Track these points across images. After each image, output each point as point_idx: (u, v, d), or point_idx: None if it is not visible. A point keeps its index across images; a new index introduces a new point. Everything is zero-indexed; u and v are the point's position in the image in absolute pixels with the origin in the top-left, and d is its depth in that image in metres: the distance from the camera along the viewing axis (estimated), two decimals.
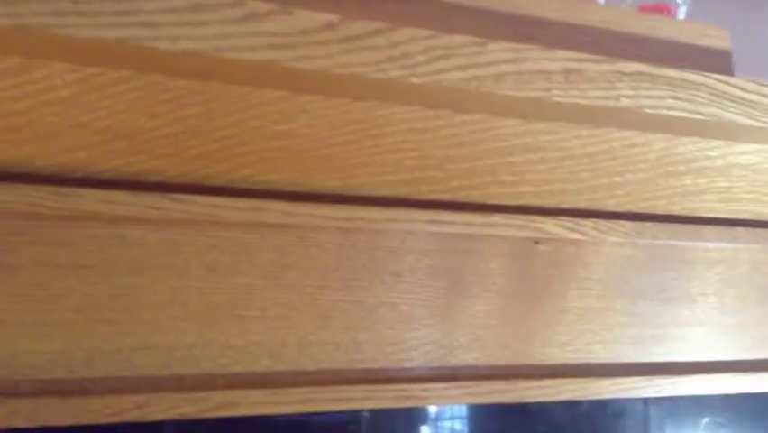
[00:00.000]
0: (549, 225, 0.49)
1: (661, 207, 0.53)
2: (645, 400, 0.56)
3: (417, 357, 0.47)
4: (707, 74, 0.43)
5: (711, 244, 0.56)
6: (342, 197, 0.45)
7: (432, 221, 0.46)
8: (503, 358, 0.49)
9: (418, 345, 0.47)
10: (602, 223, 0.51)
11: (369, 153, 0.43)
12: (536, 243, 0.51)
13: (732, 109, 0.44)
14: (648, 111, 0.42)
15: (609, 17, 0.48)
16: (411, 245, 0.47)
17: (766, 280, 0.59)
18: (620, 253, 0.53)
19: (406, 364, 0.47)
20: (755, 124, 0.45)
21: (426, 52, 0.37)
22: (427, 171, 0.46)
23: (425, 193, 0.47)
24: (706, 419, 0.59)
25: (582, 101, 0.40)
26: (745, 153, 0.52)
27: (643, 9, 0.55)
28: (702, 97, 0.43)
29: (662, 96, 0.42)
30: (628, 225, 0.51)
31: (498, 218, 0.48)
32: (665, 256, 0.55)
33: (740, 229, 0.55)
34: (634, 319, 0.53)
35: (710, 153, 0.51)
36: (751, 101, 0.45)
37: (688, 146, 0.50)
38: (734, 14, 0.73)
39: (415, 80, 0.36)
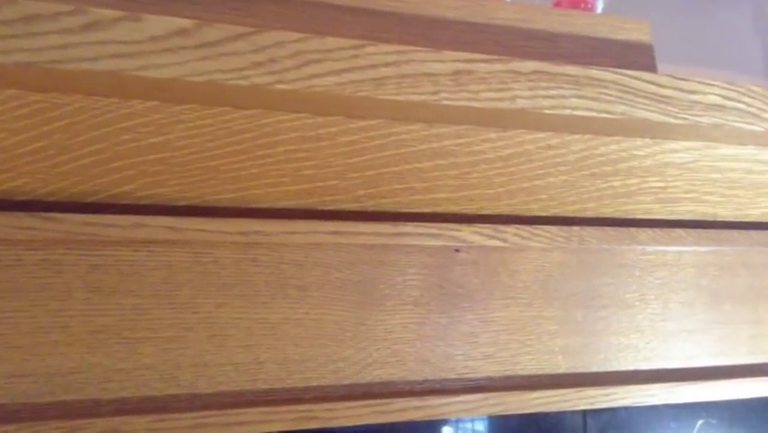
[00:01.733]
0: (466, 233, 0.47)
1: (591, 210, 0.51)
2: (584, 413, 0.54)
3: (326, 375, 0.45)
4: (615, 70, 0.41)
5: (650, 248, 0.53)
6: (239, 210, 0.43)
7: (336, 232, 0.44)
8: (421, 373, 0.47)
9: (327, 362, 0.45)
10: (525, 229, 0.48)
11: (261, 164, 0.41)
12: (457, 251, 0.49)
13: (645, 106, 0.42)
14: (548, 112, 0.39)
15: (514, 14, 0.45)
16: (318, 258, 0.45)
17: (715, 284, 0.56)
18: (549, 260, 0.51)
19: (314, 383, 0.44)
20: (672, 121, 0.42)
21: (295, 57, 0.35)
22: (329, 181, 0.44)
23: (329, 203, 0.45)
24: None
25: (474, 103, 0.38)
26: (675, 152, 0.49)
27: (558, 4, 0.52)
28: (610, 95, 0.41)
29: (565, 95, 0.40)
30: (553, 229, 0.49)
31: (409, 227, 0.46)
32: (598, 261, 0.52)
33: (680, 231, 0.53)
34: (565, 328, 0.51)
35: (637, 153, 0.48)
36: (666, 97, 0.42)
37: (610, 146, 0.47)
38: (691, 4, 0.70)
39: (282, 87, 0.34)
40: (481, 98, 0.38)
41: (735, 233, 0.54)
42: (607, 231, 0.50)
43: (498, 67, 0.38)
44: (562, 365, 0.51)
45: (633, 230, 0.51)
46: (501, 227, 0.48)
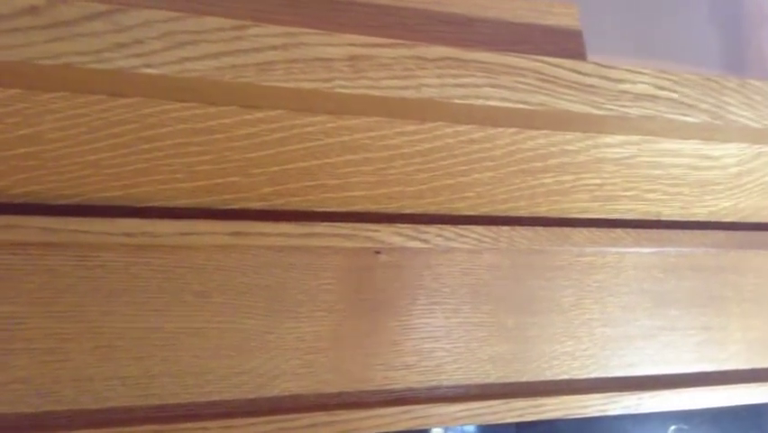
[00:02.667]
0: (384, 234, 0.43)
1: (523, 209, 0.48)
2: (518, 426, 0.50)
3: (228, 389, 0.41)
4: (533, 57, 0.37)
5: (588, 249, 0.50)
6: (129, 209, 0.39)
7: (236, 233, 0.40)
8: (336, 385, 0.44)
9: (229, 374, 0.41)
10: (449, 229, 0.45)
11: (147, 158, 0.38)
12: (377, 253, 0.45)
13: (567, 96, 0.38)
14: (458, 102, 0.36)
15: None
16: (220, 262, 0.42)
17: (659, 288, 0.53)
18: (478, 262, 0.47)
19: (215, 398, 0.41)
20: (597, 112, 0.39)
21: (165, 38, 0.31)
22: (228, 177, 0.40)
23: (231, 202, 0.41)
24: None
25: (374, 92, 0.35)
26: (610, 147, 0.46)
27: None
28: (528, 84, 0.38)
29: (477, 83, 0.37)
30: (480, 230, 0.46)
31: (320, 228, 0.42)
32: (532, 263, 0.49)
33: (619, 231, 0.49)
34: (495, 335, 0.47)
35: (568, 148, 0.45)
36: (591, 86, 0.39)
37: (538, 140, 0.44)
38: None
39: (149, 71, 0.31)
40: (382, 86, 0.35)
41: (680, 233, 0.51)
42: (539, 231, 0.47)
43: (402, 52, 0.35)
44: (492, 375, 0.47)
45: (567, 230, 0.48)
46: (423, 227, 0.44)
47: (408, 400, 0.45)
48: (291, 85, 0.33)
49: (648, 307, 0.52)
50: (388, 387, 0.45)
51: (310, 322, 0.43)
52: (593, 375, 0.50)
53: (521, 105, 0.37)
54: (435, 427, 0.44)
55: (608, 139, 0.45)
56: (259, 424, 0.40)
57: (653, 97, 0.40)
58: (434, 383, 0.46)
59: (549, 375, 0.49)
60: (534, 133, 0.43)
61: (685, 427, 0.59)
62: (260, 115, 0.38)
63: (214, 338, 0.41)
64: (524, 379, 0.48)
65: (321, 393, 0.43)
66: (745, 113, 0.42)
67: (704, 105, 0.41)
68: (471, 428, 0.50)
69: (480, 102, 0.37)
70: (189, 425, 0.39)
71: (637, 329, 0.52)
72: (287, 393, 0.43)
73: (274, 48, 0.33)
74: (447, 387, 0.46)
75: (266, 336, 0.42)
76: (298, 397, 0.43)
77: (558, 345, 0.49)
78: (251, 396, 0.42)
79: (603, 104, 0.39)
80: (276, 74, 0.33)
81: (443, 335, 0.46)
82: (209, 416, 0.40)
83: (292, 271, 0.43)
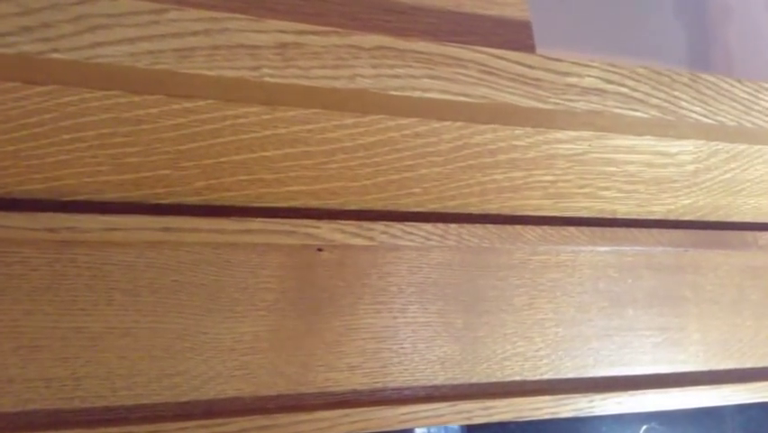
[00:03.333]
0: (325, 230, 0.42)
1: (474, 206, 0.46)
2: (469, 429, 0.49)
3: (160, 392, 0.40)
4: (475, 48, 0.36)
5: (542, 247, 0.48)
6: (52, 203, 0.38)
7: (167, 229, 0.38)
8: (275, 387, 0.42)
9: (161, 376, 0.40)
10: (395, 226, 0.44)
11: (70, 149, 0.36)
12: (320, 250, 0.44)
13: (510, 89, 0.37)
14: (395, 93, 0.34)
15: None
16: (152, 259, 0.40)
17: (615, 287, 0.51)
18: (427, 260, 0.46)
19: (144, 401, 0.39)
20: (542, 106, 0.38)
21: (76, 22, 0.29)
22: (158, 170, 0.38)
23: (163, 196, 0.39)
24: None
25: (304, 81, 0.33)
26: (561, 142, 0.44)
27: None
28: (470, 76, 0.36)
29: (415, 74, 0.35)
30: (428, 227, 0.44)
31: (256, 223, 0.40)
32: (483, 262, 0.47)
33: (572, 229, 0.48)
34: (444, 335, 0.46)
35: (518, 143, 0.43)
36: (536, 79, 0.38)
37: (486, 135, 0.42)
38: None
39: (57, 56, 0.29)
40: (313, 76, 0.33)
41: (636, 231, 0.50)
42: (490, 229, 0.46)
43: (334, 40, 0.33)
44: (440, 376, 0.46)
45: (519, 228, 0.46)
46: (367, 224, 0.43)
47: (351, 402, 0.43)
48: (214, 73, 0.32)
49: (604, 307, 0.51)
50: (329, 389, 0.43)
51: (248, 322, 0.42)
52: (545, 377, 0.49)
53: (462, 98, 0.36)
54: (380, 429, 0.43)
55: (559, 135, 0.44)
56: (190, 428, 0.38)
57: (602, 91, 0.39)
58: (378, 385, 0.44)
59: (500, 376, 0.47)
60: (482, 127, 0.42)
61: (658, 426, 0.58)
62: (188, 104, 0.36)
63: (144, 339, 0.39)
64: (473, 380, 0.47)
65: (258, 396, 0.42)
66: (697, 108, 0.41)
67: (654, 101, 0.40)
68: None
69: (417, 94, 0.35)
70: (117, 429, 0.37)
71: (592, 330, 0.50)
72: (222, 396, 0.41)
73: (195, 33, 0.31)
74: (393, 389, 0.45)
75: (200, 336, 0.41)
76: (234, 400, 0.41)
77: (509, 346, 0.48)
78: (184, 399, 0.40)
79: (549, 97, 0.38)
80: (197, 61, 0.31)
81: (390, 335, 0.45)
82: (138, 420, 0.38)
83: (229, 268, 0.41)
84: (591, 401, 0.48)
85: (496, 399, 0.46)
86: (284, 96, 0.36)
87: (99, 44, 0.30)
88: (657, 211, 0.51)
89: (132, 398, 0.39)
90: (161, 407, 0.39)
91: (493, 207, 0.46)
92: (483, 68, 0.36)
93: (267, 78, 0.32)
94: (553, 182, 0.47)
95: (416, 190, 0.44)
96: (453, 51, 0.36)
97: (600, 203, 0.49)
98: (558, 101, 0.38)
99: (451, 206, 0.45)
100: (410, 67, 0.35)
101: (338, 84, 0.34)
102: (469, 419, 0.45)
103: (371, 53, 0.34)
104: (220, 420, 0.39)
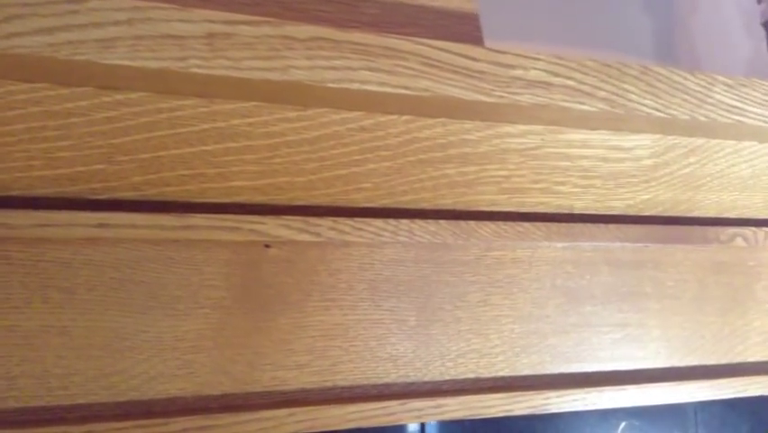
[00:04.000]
0: (270, 226, 0.41)
1: (427, 202, 0.45)
2: (423, 426, 0.48)
3: (97, 391, 0.39)
4: (416, 40, 0.35)
5: (497, 243, 0.48)
6: None
7: (103, 225, 0.37)
8: (219, 387, 0.41)
9: (98, 376, 0.39)
10: (343, 222, 0.43)
11: None
12: (267, 246, 0.43)
13: (453, 82, 0.36)
14: (331, 85, 0.33)
15: None
16: (89, 256, 0.39)
17: (573, 283, 0.51)
18: (379, 257, 0.45)
19: (81, 400, 0.38)
20: (486, 99, 0.37)
21: None
22: (93, 165, 0.37)
23: (98, 192, 0.38)
24: None
25: (234, 73, 0.32)
26: (513, 136, 0.44)
27: None
28: (410, 68, 0.35)
29: (353, 66, 0.34)
30: (378, 223, 0.43)
31: (198, 219, 0.39)
32: (436, 258, 0.47)
33: (527, 225, 0.47)
34: (396, 333, 0.45)
35: (468, 137, 0.43)
36: (480, 72, 0.37)
37: (435, 129, 0.42)
38: None
39: None
40: (244, 67, 0.32)
41: (593, 227, 0.50)
42: (442, 224, 0.45)
43: (267, 30, 0.32)
44: (392, 374, 0.45)
45: (473, 223, 0.46)
46: (314, 220, 0.42)
47: (299, 401, 0.43)
48: (138, 64, 0.31)
49: (561, 303, 0.50)
50: (277, 388, 0.42)
51: (191, 320, 0.41)
52: (501, 374, 0.48)
53: (402, 91, 0.35)
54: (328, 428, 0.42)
55: (510, 129, 0.43)
56: (127, 429, 0.38)
57: (548, 84, 0.38)
58: (328, 384, 0.44)
59: (454, 374, 0.47)
60: (430, 121, 0.41)
61: (636, 423, 0.57)
62: (119, 97, 0.35)
63: (80, 337, 0.38)
64: (426, 378, 0.46)
65: (202, 396, 0.41)
66: (647, 101, 0.40)
67: (602, 93, 0.39)
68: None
69: (355, 86, 0.34)
70: (53, 429, 0.36)
71: (549, 326, 0.50)
72: (163, 396, 0.40)
73: (117, 23, 0.30)
74: (342, 387, 0.44)
75: (140, 334, 0.40)
76: (176, 400, 0.40)
77: (464, 343, 0.47)
78: (122, 399, 0.39)
79: (493, 90, 0.37)
80: (119, 51, 0.30)
81: (340, 333, 0.44)
82: (74, 420, 0.37)
83: (171, 265, 0.40)
84: (547, 399, 0.47)
85: (448, 397, 0.45)
86: (221, 89, 0.35)
87: (15, 34, 0.29)
88: (616, 206, 0.50)
89: (68, 398, 0.38)
90: (99, 407, 0.39)
91: (447, 203, 0.46)
92: (424, 60, 0.35)
93: (194, 70, 0.32)
94: (506, 177, 0.46)
95: (366, 185, 0.43)
96: (393, 43, 0.35)
97: (557, 198, 0.48)
98: (502, 94, 0.37)
99: (402, 201, 0.45)
100: (347, 58, 0.34)
101: (271, 76, 0.33)
102: (419, 417, 0.44)
103: (306, 44, 0.33)
104: (159, 421, 0.38)
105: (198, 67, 0.31)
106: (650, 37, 0.67)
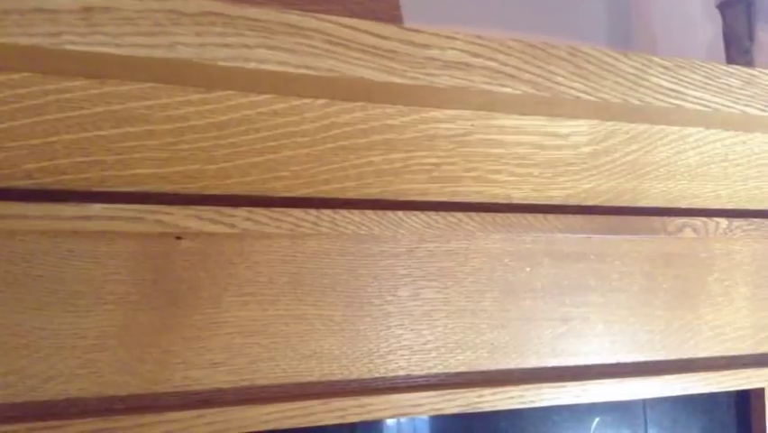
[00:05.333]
0: (178, 217, 0.39)
1: (352, 191, 0.43)
2: (353, 427, 0.46)
3: None
4: (319, 16, 0.33)
5: (430, 234, 0.46)
6: None
7: None
8: (125, 387, 0.39)
9: None
10: (260, 212, 0.40)
11: None
12: (179, 238, 0.40)
13: (361, 62, 0.34)
14: (224, 64, 0.31)
15: None
16: None
17: (512, 276, 0.49)
18: (302, 249, 0.43)
19: None
20: (398, 80, 0.35)
21: None
22: None
23: None
24: None
25: (113, 50, 0.29)
26: (440, 122, 0.41)
27: None
28: (314, 47, 0.33)
29: (249, 44, 0.32)
30: (298, 213, 0.41)
31: (96, 209, 0.37)
32: (365, 250, 0.44)
33: (460, 215, 0.45)
34: (321, 329, 0.43)
35: (392, 123, 0.40)
36: (391, 51, 0.34)
37: (355, 114, 0.39)
38: None
39: None
40: (124, 44, 0.30)
41: (531, 217, 0.47)
42: (368, 215, 0.43)
43: (151, 5, 0.30)
44: (316, 372, 0.43)
45: (401, 213, 0.43)
46: (228, 210, 0.40)
47: (213, 402, 0.40)
48: (5, 40, 0.28)
49: (498, 297, 0.48)
50: (189, 388, 0.40)
51: (93, 316, 0.38)
52: (434, 371, 0.46)
53: (305, 71, 0.33)
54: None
55: (437, 114, 0.41)
56: (19, 432, 0.35)
57: (467, 66, 0.36)
58: (245, 383, 0.41)
59: (383, 372, 0.45)
60: (348, 105, 0.39)
61: (609, 418, 0.56)
62: (0, 78, 0.32)
63: None
64: (353, 376, 0.44)
65: (105, 396, 0.38)
66: (576, 84, 0.38)
67: (527, 76, 0.37)
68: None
69: (252, 65, 0.32)
70: None
71: (486, 321, 0.48)
72: (62, 397, 0.38)
73: None
74: (261, 387, 0.42)
75: (37, 332, 0.37)
76: (77, 401, 0.38)
77: (394, 340, 0.45)
78: (17, 400, 0.37)
79: (406, 71, 0.34)
80: None
81: (259, 329, 0.42)
82: None
83: (71, 258, 0.38)
84: (480, 396, 0.45)
85: (374, 395, 0.43)
86: (110, 69, 0.32)
87: None
88: (556, 196, 0.48)
89: None
90: None
91: (373, 192, 0.43)
92: (329, 38, 0.33)
93: (68, 47, 0.29)
94: (437, 165, 0.44)
95: (285, 174, 0.41)
96: (294, 20, 0.32)
97: (493, 187, 0.46)
98: (417, 75, 0.35)
99: (325, 190, 0.42)
100: (243, 36, 0.32)
101: (156, 53, 0.30)
102: (342, 417, 0.42)
103: (195, 20, 0.31)
104: (54, 423, 0.36)
105: (73, 44, 0.29)
106: (604, 21, 0.65)
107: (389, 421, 0.48)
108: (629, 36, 0.65)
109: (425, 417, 0.49)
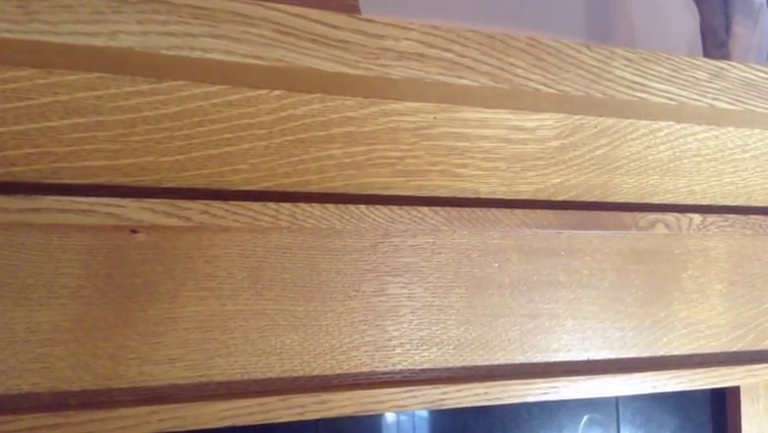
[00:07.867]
0: (131, 210, 0.38)
1: (314, 184, 0.42)
2: (316, 424, 0.46)
3: None
4: (268, 5, 0.32)
5: (394, 229, 0.45)
6: None
7: None
8: (78, 383, 0.38)
9: None
10: (217, 205, 0.40)
11: None
12: (134, 232, 0.40)
13: (311, 52, 0.33)
14: (167, 53, 0.30)
15: None
16: None
17: (479, 271, 0.48)
18: (262, 243, 0.42)
19: None
20: (350, 71, 0.34)
21: None
22: None
23: None
24: None
25: (51, 38, 0.29)
26: (401, 114, 0.41)
27: None
28: (261, 36, 0.32)
29: (193, 33, 0.31)
30: (257, 206, 0.40)
31: (47, 201, 0.36)
32: (327, 245, 0.44)
33: (424, 209, 0.45)
34: (281, 324, 0.42)
35: (351, 115, 0.40)
36: (343, 41, 0.34)
37: (312, 105, 0.39)
38: None
39: None
40: (63, 32, 0.29)
41: (498, 212, 0.47)
42: (329, 208, 0.42)
43: None
44: (276, 368, 0.42)
45: (363, 207, 0.43)
46: (183, 203, 0.39)
47: (168, 398, 0.40)
48: None
49: (464, 292, 0.47)
50: (144, 384, 0.40)
51: (45, 310, 0.38)
52: (398, 367, 0.45)
53: (252, 60, 0.32)
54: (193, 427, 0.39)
55: (397, 106, 0.40)
56: None
57: (422, 56, 0.35)
58: (203, 379, 0.41)
59: (346, 368, 0.44)
60: (305, 97, 0.38)
61: (598, 416, 0.55)
62: None
63: None
64: (315, 373, 0.43)
65: (58, 391, 0.38)
66: (535, 76, 0.37)
67: (485, 67, 0.36)
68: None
69: (197, 54, 0.31)
70: None
71: (452, 317, 0.47)
72: (14, 392, 0.37)
73: None
74: (219, 383, 0.41)
75: None
76: (29, 396, 0.37)
77: (357, 335, 0.44)
78: None
79: (359, 62, 0.34)
80: None
81: (217, 324, 0.41)
82: None
83: (22, 251, 0.37)
84: (444, 393, 0.45)
85: (336, 392, 0.42)
86: (55, 58, 0.32)
87: None
88: (524, 191, 0.48)
89: None
90: None
91: (336, 186, 0.43)
92: (277, 27, 0.32)
93: (5, 35, 0.28)
94: (400, 158, 0.43)
95: (243, 167, 0.40)
96: (240, 8, 0.32)
97: (458, 182, 0.45)
98: (370, 66, 0.34)
99: (286, 184, 0.42)
100: (187, 24, 0.31)
101: (96, 42, 0.30)
102: (301, 414, 0.41)
103: (137, 7, 0.30)
104: (5, 417, 0.36)
105: (9, 32, 0.28)
106: (582, 14, 0.64)
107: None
108: (608, 30, 0.64)
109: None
